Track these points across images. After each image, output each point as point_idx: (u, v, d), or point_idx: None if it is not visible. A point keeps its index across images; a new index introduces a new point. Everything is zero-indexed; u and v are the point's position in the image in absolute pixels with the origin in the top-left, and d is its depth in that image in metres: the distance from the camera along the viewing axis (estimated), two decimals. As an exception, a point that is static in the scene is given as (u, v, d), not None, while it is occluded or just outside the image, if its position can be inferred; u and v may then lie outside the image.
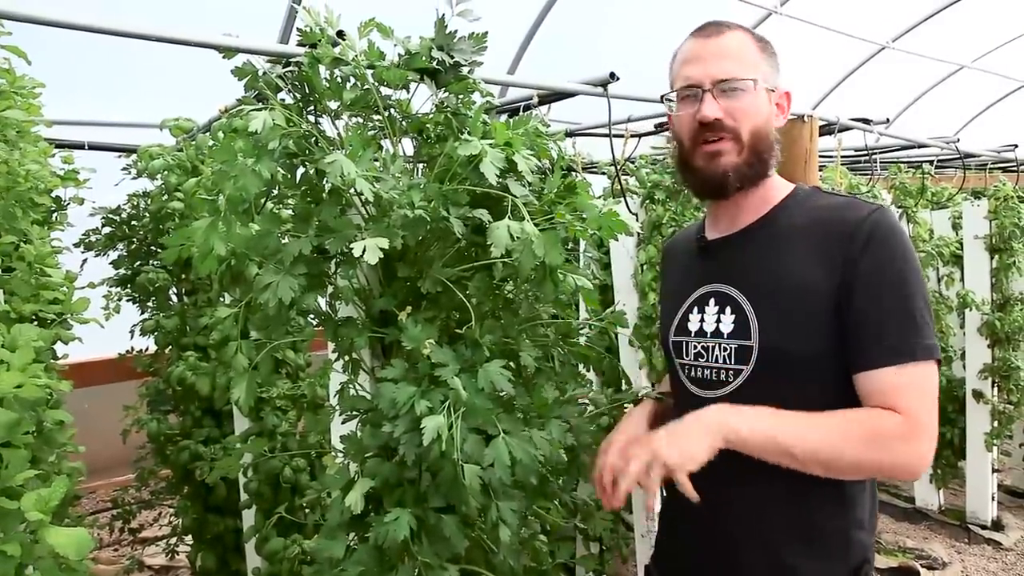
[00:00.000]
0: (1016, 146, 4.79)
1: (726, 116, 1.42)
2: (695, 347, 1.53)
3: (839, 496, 1.42)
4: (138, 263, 3.24)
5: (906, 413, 1.28)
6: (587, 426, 1.61)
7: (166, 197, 2.94)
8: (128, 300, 3.21)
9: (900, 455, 1.29)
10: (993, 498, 4.71)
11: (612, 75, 2.14)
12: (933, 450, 1.30)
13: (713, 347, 1.49)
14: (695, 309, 1.54)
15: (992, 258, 4.60)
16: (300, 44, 1.49)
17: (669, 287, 1.71)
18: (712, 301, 1.51)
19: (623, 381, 2.57)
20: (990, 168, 5.10)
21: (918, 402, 1.29)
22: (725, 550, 1.47)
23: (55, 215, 2.47)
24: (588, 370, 3.22)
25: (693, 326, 1.54)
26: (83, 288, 2.41)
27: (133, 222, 3.25)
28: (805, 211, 1.46)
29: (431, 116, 1.55)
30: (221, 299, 2.71)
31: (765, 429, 1.30)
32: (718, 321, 1.49)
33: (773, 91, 1.48)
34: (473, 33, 1.53)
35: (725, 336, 1.47)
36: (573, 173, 3.14)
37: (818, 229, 1.41)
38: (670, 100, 1.53)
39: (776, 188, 1.53)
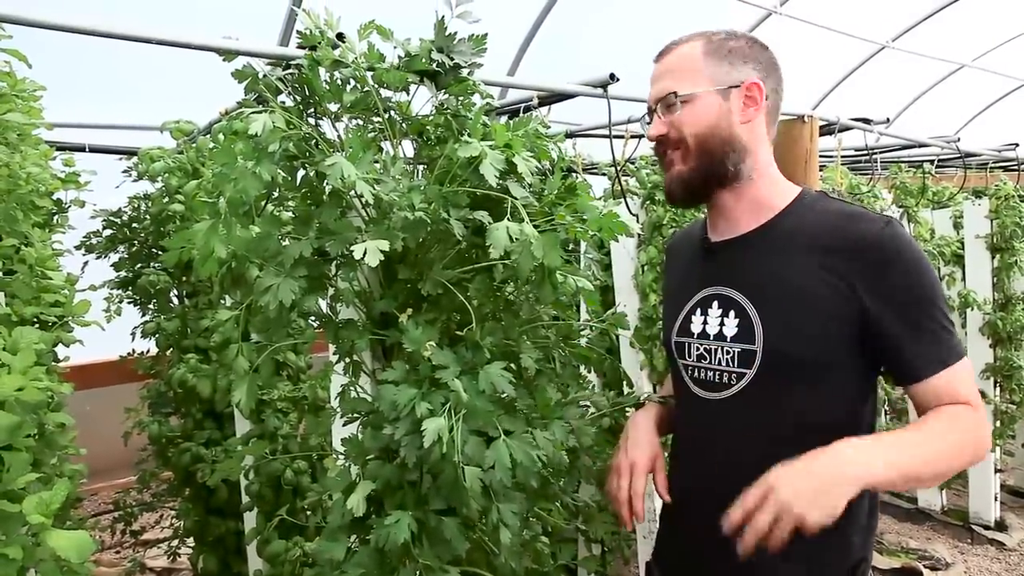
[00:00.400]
0: (1017, 145, 4.78)
1: (670, 129, 1.49)
2: (697, 349, 1.53)
3: None
4: (139, 265, 3.24)
5: (971, 404, 1.38)
6: (588, 428, 1.61)
7: (167, 199, 2.94)
8: (129, 302, 3.21)
9: (984, 445, 1.39)
10: (996, 498, 4.70)
11: (612, 76, 2.14)
12: None
13: (716, 350, 1.50)
14: (697, 311, 1.55)
15: (993, 257, 4.59)
16: (300, 46, 1.49)
17: (671, 287, 1.72)
18: (715, 304, 1.52)
19: (624, 383, 2.57)
20: (991, 167, 5.09)
21: (970, 391, 1.39)
22: (724, 549, 1.47)
23: (56, 218, 2.47)
24: (589, 371, 3.21)
25: (695, 328, 1.54)
26: (84, 291, 2.41)
27: (134, 224, 3.25)
28: (813, 217, 1.46)
29: (431, 118, 1.55)
30: (222, 301, 2.72)
31: (899, 466, 1.28)
32: (721, 324, 1.49)
33: (736, 87, 1.46)
34: (473, 35, 1.53)
35: (728, 339, 1.48)
36: (573, 174, 3.14)
37: (828, 238, 1.41)
38: (648, 124, 1.58)
39: (779, 190, 1.53)
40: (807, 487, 1.23)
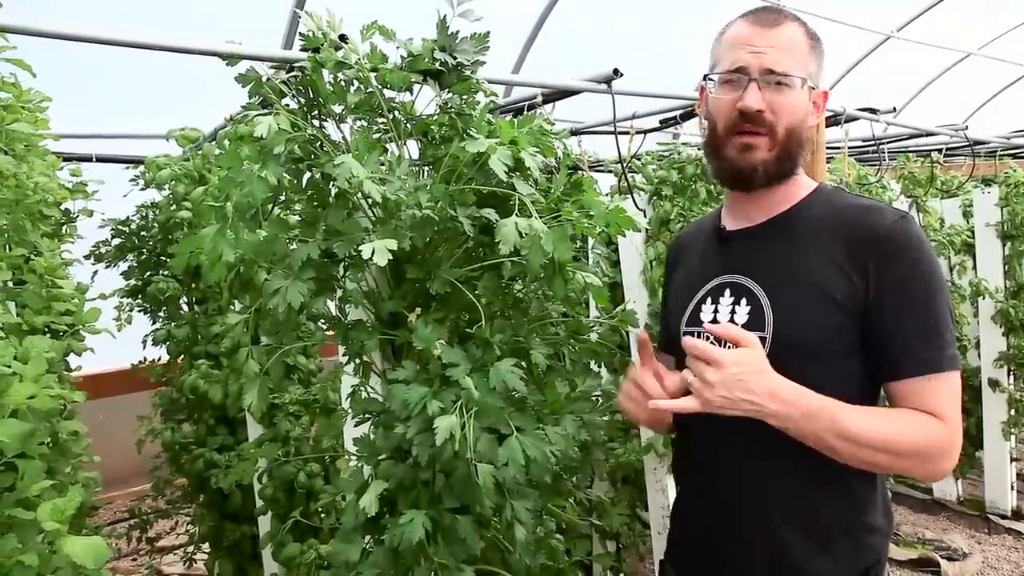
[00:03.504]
0: (1026, 132, 4.76)
1: (767, 109, 1.40)
2: (708, 338, 1.49)
3: (850, 498, 1.43)
4: (148, 273, 3.25)
5: (946, 420, 1.33)
6: (600, 421, 1.60)
7: (174, 207, 2.95)
8: (139, 310, 3.22)
9: (938, 468, 1.35)
10: (1012, 487, 4.67)
11: (616, 71, 2.14)
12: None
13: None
14: (708, 300, 1.53)
15: (1004, 245, 4.57)
16: (303, 49, 1.49)
17: (681, 279, 1.67)
18: (728, 292, 1.50)
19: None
20: (1000, 155, 5.06)
21: (949, 407, 1.34)
22: (736, 547, 1.47)
23: (65, 227, 2.48)
24: (600, 366, 3.21)
25: (706, 316, 1.52)
26: (94, 299, 2.42)
27: (142, 233, 3.26)
28: (829, 210, 1.46)
29: (435, 117, 1.54)
30: (231, 307, 2.72)
31: (819, 429, 1.29)
32: (732, 312, 1.47)
33: (813, 89, 1.46)
34: (475, 33, 1.53)
35: (739, 326, 1.44)
36: (579, 171, 3.13)
37: (841, 229, 1.41)
38: (711, 79, 1.48)
39: (800, 185, 1.52)
40: (736, 384, 1.27)
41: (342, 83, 1.47)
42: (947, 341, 1.35)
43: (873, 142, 4.09)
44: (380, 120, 1.53)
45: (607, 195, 3.16)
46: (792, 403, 1.29)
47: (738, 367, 1.28)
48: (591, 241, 3.21)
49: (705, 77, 1.51)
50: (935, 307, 1.35)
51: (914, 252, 1.36)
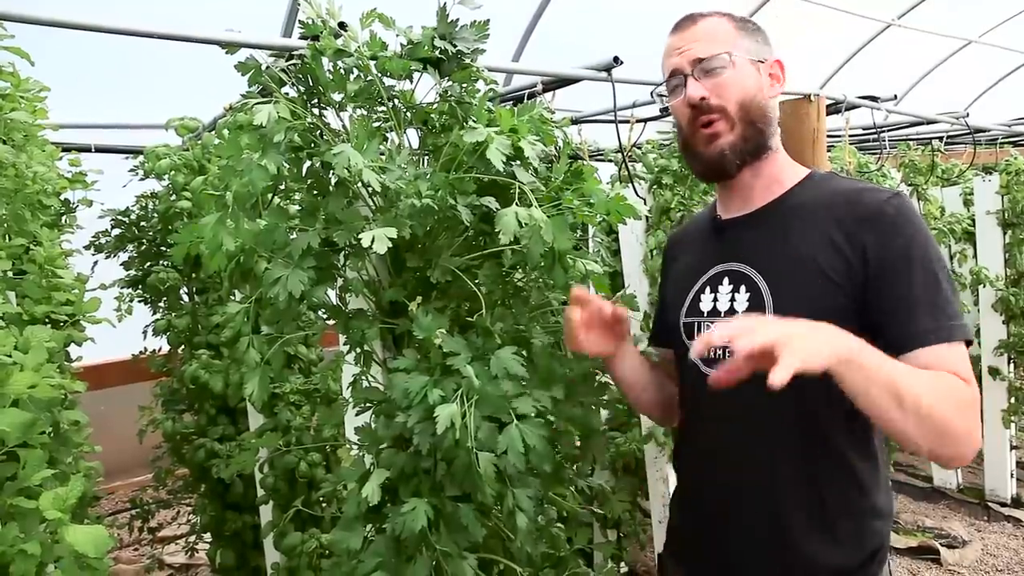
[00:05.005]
0: (1027, 119, 4.75)
1: (711, 94, 1.43)
2: (708, 327, 1.50)
3: (853, 482, 1.42)
4: (148, 264, 3.25)
5: (968, 382, 1.27)
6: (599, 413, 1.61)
7: (174, 197, 2.94)
8: (140, 301, 3.22)
9: (972, 424, 1.24)
10: (1012, 475, 4.68)
11: (616, 59, 2.13)
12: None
13: None
14: (707, 289, 1.53)
15: (1005, 233, 4.56)
16: (302, 36, 1.49)
17: (678, 272, 1.67)
18: (726, 280, 1.50)
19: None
20: (1000, 143, 5.05)
21: (966, 373, 1.29)
22: (737, 534, 1.47)
23: (64, 217, 2.48)
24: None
25: (705, 306, 1.52)
26: (94, 290, 2.41)
27: (142, 223, 3.26)
28: (822, 192, 1.46)
29: (435, 106, 1.54)
30: (232, 296, 2.72)
31: (881, 364, 1.20)
32: (732, 300, 1.47)
33: (762, 62, 1.48)
34: (475, 21, 1.53)
35: (740, 314, 1.45)
36: (580, 160, 3.13)
37: (836, 210, 1.40)
38: (662, 95, 1.54)
39: (790, 170, 1.52)
40: (796, 330, 1.15)
41: (341, 71, 1.47)
42: (954, 312, 1.33)
43: (874, 130, 4.08)
44: (380, 108, 1.53)
45: (608, 184, 3.16)
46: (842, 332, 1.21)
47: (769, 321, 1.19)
48: (591, 230, 3.21)
49: (652, 95, 1.60)
50: (939, 279, 1.33)
51: (908, 227, 1.35)
